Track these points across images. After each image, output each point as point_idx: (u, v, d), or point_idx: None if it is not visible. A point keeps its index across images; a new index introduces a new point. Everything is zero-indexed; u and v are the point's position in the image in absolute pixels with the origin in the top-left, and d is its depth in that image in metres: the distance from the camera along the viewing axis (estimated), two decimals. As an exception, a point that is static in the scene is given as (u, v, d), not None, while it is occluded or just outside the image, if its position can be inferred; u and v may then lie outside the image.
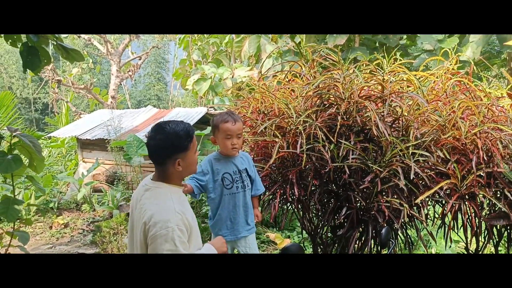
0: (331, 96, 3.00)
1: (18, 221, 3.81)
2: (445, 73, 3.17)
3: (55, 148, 11.27)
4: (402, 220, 2.63)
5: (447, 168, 2.67)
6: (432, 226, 3.09)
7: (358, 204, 2.93)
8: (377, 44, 10.73)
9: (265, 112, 3.32)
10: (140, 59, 14.34)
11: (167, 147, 1.85)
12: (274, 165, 3.09)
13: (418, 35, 10.03)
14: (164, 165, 1.89)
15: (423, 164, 2.74)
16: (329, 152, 2.79)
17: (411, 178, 2.60)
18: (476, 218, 2.75)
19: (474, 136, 2.65)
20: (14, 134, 3.44)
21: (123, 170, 7.85)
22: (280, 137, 2.99)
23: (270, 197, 3.27)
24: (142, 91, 33.57)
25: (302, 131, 2.80)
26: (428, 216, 3.00)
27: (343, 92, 2.85)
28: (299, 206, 3.17)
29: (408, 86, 3.13)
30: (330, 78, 3.00)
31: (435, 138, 2.80)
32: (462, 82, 3.08)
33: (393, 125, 2.96)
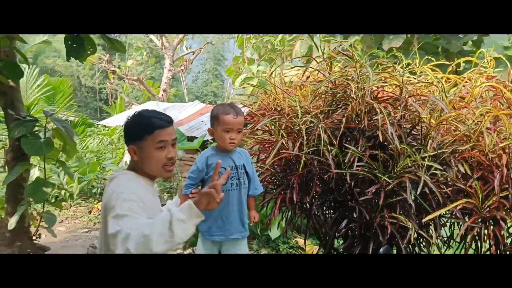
0: (344, 94, 2.73)
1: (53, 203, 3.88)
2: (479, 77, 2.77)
3: (106, 136, 11.69)
4: (407, 241, 2.31)
5: (467, 185, 2.31)
6: (445, 250, 2.71)
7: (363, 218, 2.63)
8: (439, 49, 9.97)
9: (278, 109, 3.11)
10: (193, 54, 14.56)
11: (126, 130, 1.84)
12: (277, 166, 2.88)
13: (483, 42, 9.27)
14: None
15: (440, 179, 2.40)
16: (333, 157, 2.53)
17: (420, 193, 2.28)
18: (500, 246, 2.36)
19: (501, 150, 2.26)
20: (49, 118, 3.50)
21: (164, 162, 7.89)
22: (285, 136, 2.77)
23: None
24: (200, 87, 34.28)
25: (304, 132, 2.56)
26: (444, 239, 2.64)
27: (355, 92, 2.57)
28: (301, 213, 2.93)
29: (433, 91, 2.77)
30: (343, 75, 2.72)
31: (458, 150, 2.44)
32: (498, 89, 2.67)
33: (412, 132, 2.64)
